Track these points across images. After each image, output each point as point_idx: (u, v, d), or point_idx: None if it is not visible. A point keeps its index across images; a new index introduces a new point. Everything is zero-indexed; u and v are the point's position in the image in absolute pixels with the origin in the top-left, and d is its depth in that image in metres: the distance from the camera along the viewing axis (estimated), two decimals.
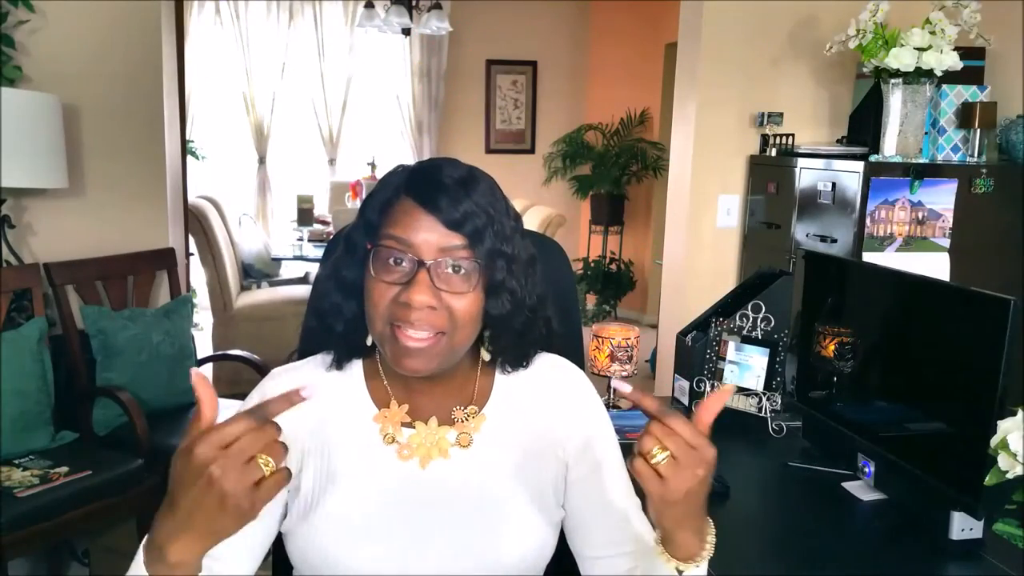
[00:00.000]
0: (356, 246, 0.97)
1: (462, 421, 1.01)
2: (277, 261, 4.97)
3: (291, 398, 0.75)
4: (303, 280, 5.19)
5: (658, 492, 0.78)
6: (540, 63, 6.29)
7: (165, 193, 2.91)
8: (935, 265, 2.54)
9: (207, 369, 3.92)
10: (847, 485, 1.56)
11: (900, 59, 2.47)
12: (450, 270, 0.92)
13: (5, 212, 2.56)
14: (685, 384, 1.98)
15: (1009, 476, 1.25)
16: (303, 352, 1.08)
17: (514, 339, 1.00)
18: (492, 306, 0.95)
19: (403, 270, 0.92)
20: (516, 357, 1.04)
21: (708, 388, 1.91)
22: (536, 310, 1.00)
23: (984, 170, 2.56)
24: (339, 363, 1.02)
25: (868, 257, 2.50)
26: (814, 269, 1.80)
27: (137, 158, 2.82)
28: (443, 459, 0.99)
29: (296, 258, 4.71)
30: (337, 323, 0.99)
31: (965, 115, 2.67)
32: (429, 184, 0.93)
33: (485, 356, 1.03)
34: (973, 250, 2.56)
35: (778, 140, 2.98)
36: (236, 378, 3.77)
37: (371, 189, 1.00)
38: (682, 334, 2.04)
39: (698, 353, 1.93)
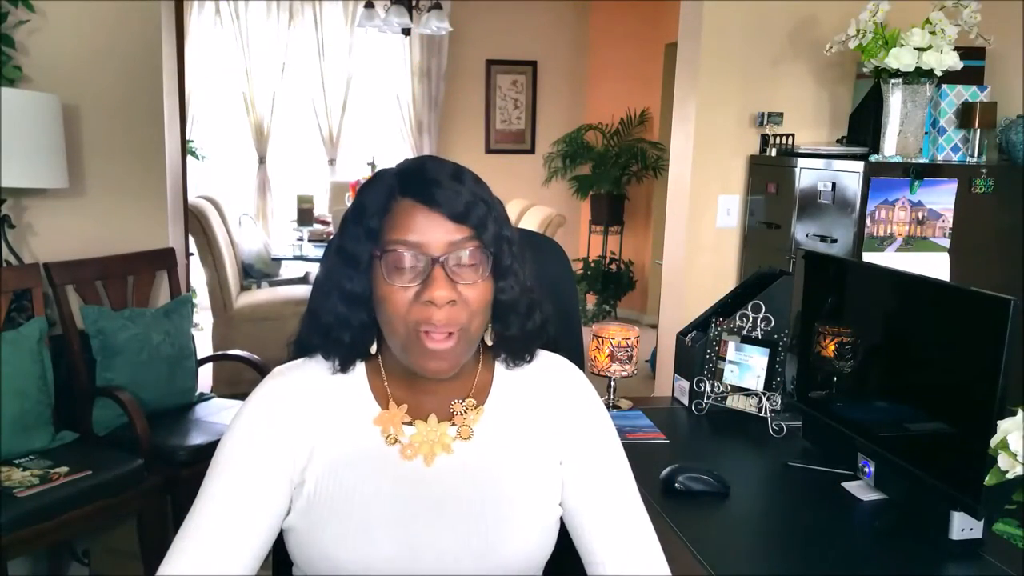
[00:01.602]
0: (356, 256, 0.97)
1: (460, 414, 1.02)
2: (277, 261, 4.97)
3: None
4: (303, 280, 5.19)
5: None
6: (540, 63, 6.29)
7: (165, 193, 2.90)
8: (935, 265, 2.54)
9: (207, 369, 3.92)
10: (847, 485, 1.56)
11: (900, 59, 2.47)
12: (462, 261, 0.93)
13: (5, 212, 2.56)
14: (685, 384, 1.98)
15: (1009, 476, 1.25)
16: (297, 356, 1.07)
17: (520, 324, 1.02)
18: (501, 290, 0.97)
19: (416, 270, 0.93)
20: (520, 347, 1.05)
21: (708, 388, 1.91)
22: (534, 290, 1.03)
23: (984, 170, 2.56)
24: (344, 368, 1.02)
25: (868, 257, 2.50)
26: (814, 269, 1.80)
27: (137, 158, 2.82)
28: (446, 454, 1.00)
29: (296, 258, 4.71)
30: (344, 335, 0.99)
31: (965, 115, 2.67)
32: (425, 182, 0.94)
33: (488, 341, 1.04)
34: (973, 250, 2.56)
35: (778, 140, 2.98)
36: (236, 378, 3.77)
37: (355, 198, 1.00)
38: (682, 334, 2.04)
39: (698, 353, 1.94)
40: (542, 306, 1.05)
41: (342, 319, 0.99)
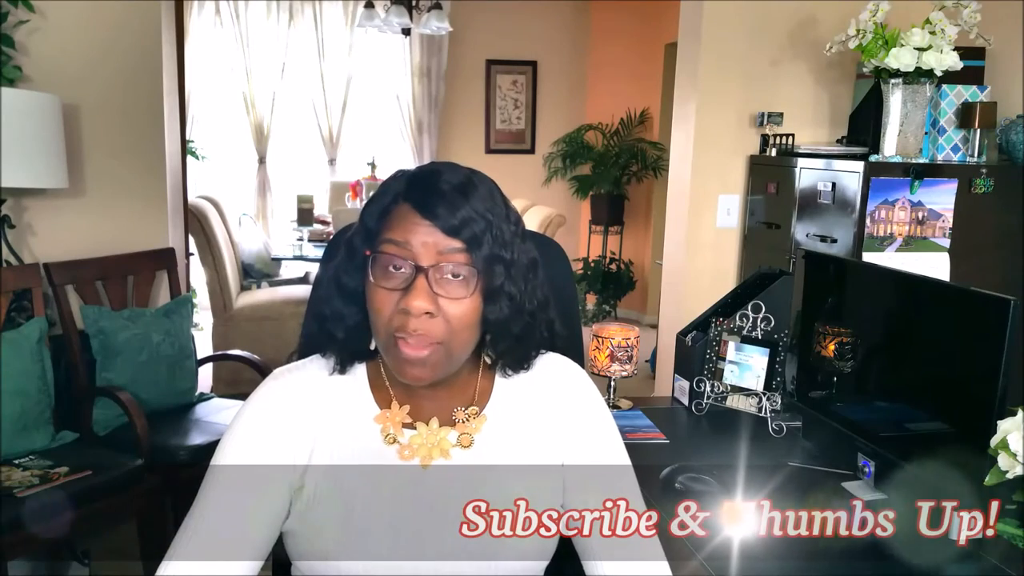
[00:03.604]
0: (356, 252, 0.97)
1: (463, 422, 1.02)
2: (277, 261, 4.97)
3: None
4: (303, 280, 5.19)
5: None
6: (540, 63, 6.28)
7: (165, 193, 2.90)
8: (935, 265, 2.54)
9: (207, 369, 3.93)
10: (847, 485, 1.56)
11: (900, 59, 2.47)
12: (448, 275, 0.92)
13: (5, 212, 2.56)
14: (685, 384, 1.98)
15: (1009, 476, 1.25)
16: (302, 355, 1.08)
17: (512, 343, 1.00)
18: (490, 311, 0.95)
19: (402, 275, 0.92)
20: (516, 360, 1.04)
21: (708, 388, 1.91)
22: (535, 314, 1.00)
23: (984, 170, 2.56)
24: (342, 368, 1.02)
25: (868, 257, 2.50)
26: (814, 269, 1.80)
27: (137, 158, 2.82)
28: (444, 459, 1.00)
29: (296, 258, 4.71)
30: (338, 330, 0.99)
31: (965, 115, 2.67)
32: (428, 190, 0.93)
33: (486, 360, 1.04)
34: (973, 250, 2.56)
35: (778, 140, 2.98)
36: (236, 378, 3.77)
37: (372, 192, 1.00)
38: (682, 334, 2.04)
39: (698, 353, 1.94)
40: (551, 325, 1.03)
41: (337, 314, 0.99)
